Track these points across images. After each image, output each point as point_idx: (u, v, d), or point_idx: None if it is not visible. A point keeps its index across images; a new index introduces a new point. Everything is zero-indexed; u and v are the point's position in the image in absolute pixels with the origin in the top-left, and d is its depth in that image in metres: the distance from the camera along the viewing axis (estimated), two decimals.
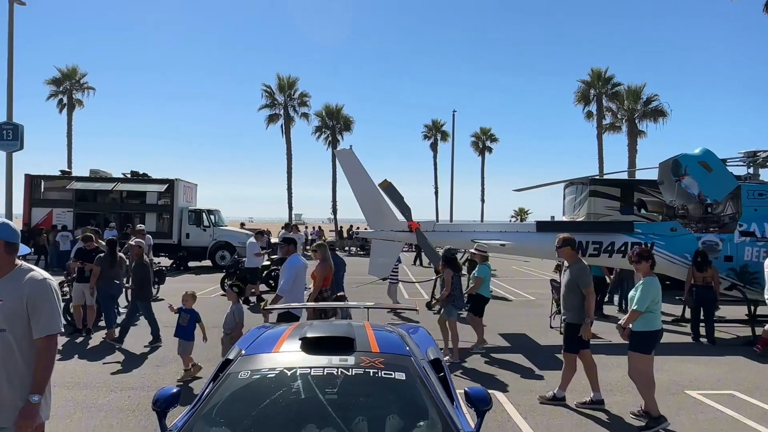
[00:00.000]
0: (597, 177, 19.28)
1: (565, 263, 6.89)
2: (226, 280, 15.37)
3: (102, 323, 10.04)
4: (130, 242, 11.31)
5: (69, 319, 10.23)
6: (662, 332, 6.25)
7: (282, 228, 22.54)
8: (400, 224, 10.55)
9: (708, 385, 7.31)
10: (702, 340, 9.97)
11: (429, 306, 12.82)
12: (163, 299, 13.33)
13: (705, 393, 6.98)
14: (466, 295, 9.25)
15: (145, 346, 8.83)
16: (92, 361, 8.05)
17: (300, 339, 3.90)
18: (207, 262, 22.38)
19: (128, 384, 6.95)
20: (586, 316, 6.46)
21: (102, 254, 9.56)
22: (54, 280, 3.30)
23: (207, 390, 3.65)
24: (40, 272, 3.27)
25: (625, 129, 37.89)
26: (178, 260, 22.00)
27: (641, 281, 6.11)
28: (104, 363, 7.87)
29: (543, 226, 10.87)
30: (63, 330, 3.24)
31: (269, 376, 3.64)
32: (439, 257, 11.57)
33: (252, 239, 14.36)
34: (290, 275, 7.14)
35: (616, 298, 13.67)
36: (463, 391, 3.89)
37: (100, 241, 10.80)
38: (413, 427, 3.34)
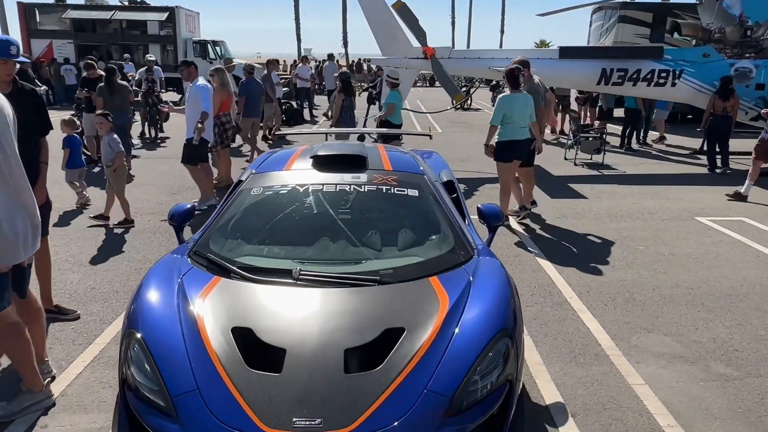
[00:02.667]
0: (629, 0, 17.68)
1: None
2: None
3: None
4: None
5: (84, 150, 10.30)
6: (524, 142, 6.55)
7: (300, 62, 21.56)
8: (415, 50, 9.97)
9: (718, 213, 7.35)
10: (717, 171, 9.87)
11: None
12: (168, 137, 13.24)
13: (715, 219, 7.04)
14: (378, 119, 9.06)
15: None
16: None
17: (311, 157, 3.82)
18: None
19: (147, 210, 7.14)
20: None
21: (102, 85, 9.28)
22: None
23: (221, 207, 3.67)
24: None
25: None
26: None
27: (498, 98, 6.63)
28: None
29: (566, 53, 10.22)
30: None
31: (281, 192, 3.62)
32: (456, 87, 11.15)
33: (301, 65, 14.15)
34: (207, 95, 6.99)
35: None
36: (476, 207, 3.89)
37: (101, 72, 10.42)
38: (425, 241, 3.37)
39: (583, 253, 5.76)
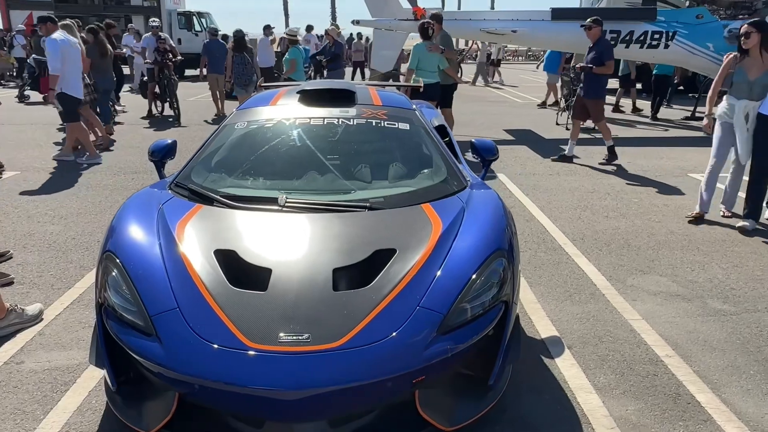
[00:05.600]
0: None
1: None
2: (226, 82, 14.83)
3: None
4: None
5: None
6: (433, 85, 7.44)
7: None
8: (404, 11, 9.75)
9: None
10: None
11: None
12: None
13: None
14: (283, 77, 9.45)
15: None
16: None
17: (298, 92, 3.67)
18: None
19: (132, 168, 6.96)
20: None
21: (88, 44, 8.97)
22: None
23: (204, 143, 3.51)
24: None
25: None
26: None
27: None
28: (105, 153, 7.82)
29: (558, 14, 10.04)
30: None
31: (266, 125, 3.48)
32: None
33: (263, 36, 13.47)
34: (55, 50, 6.66)
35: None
36: (469, 142, 3.78)
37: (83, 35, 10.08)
38: (417, 174, 3.25)
39: (577, 205, 5.66)
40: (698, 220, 5.21)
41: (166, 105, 11.05)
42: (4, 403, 2.54)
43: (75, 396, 2.59)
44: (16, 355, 2.92)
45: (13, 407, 2.51)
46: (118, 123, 9.96)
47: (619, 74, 12.26)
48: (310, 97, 3.59)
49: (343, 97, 3.60)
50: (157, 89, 10.97)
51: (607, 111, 12.29)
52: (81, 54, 7.45)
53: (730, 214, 5.32)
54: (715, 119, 5.19)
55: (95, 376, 2.72)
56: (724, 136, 5.13)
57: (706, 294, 3.73)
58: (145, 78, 11.33)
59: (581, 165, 7.49)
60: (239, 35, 10.21)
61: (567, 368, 2.85)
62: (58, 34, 6.85)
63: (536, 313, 3.43)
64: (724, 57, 5.23)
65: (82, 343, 3.03)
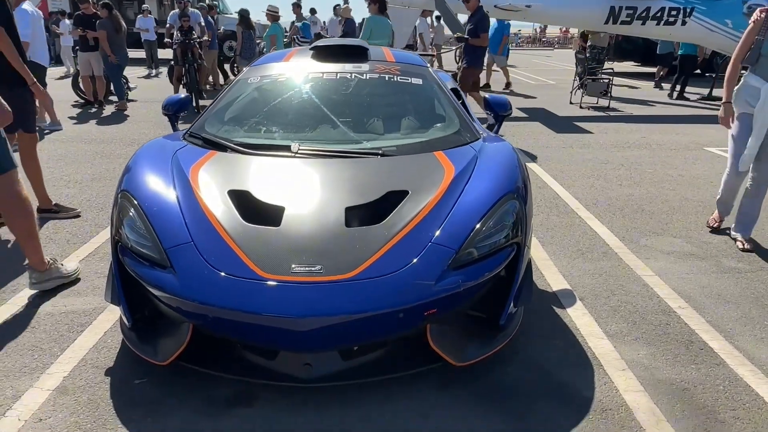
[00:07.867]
0: None
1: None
2: (236, 66, 14.86)
3: (112, 97, 9.90)
4: None
5: (79, 92, 10.06)
6: None
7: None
8: None
9: (726, 144, 7.17)
10: None
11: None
12: None
13: (723, 149, 6.85)
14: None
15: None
16: (108, 125, 8.05)
17: (311, 49, 3.67)
18: None
19: (146, 140, 6.99)
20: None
21: (102, 19, 9.01)
22: None
23: (216, 97, 3.53)
24: None
25: None
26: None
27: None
28: (120, 126, 7.88)
29: None
30: None
31: (280, 80, 3.49)
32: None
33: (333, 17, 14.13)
34: (25, 19, 6.39)
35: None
36: (483, 98, 3.75)
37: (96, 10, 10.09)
38: (430, 127, 3.25)
39: (590, 174, 5.62)
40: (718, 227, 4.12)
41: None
42: (22, 341, 2.59)
43: (91, 336, 2.64)
44: (32, 300, 2.97)
45: (30, 344, 2.56)
46: (132, 100, 10.01)
47: (658, 52, 12.09)
48: (324, 54, 3.59)
49: (357, 54, 3.60)
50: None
51: (647, 91, 12.18)
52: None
53: (749, 246, 3.78)
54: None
55: (111, 318, 2.76)
56: (744, 132, 3.82)
57: (720, 254, 3.70)
58: (172, 61, 10.31)
59: (595, 140, 7.42)
60: (245, 13, 10.54)
61: (579, 317, 2.85)
62: (27, 5, 6.89)
63: (548, 269, 3.42)
64: (751, 19, 3.66)
65: (98, 290, 3.07)
